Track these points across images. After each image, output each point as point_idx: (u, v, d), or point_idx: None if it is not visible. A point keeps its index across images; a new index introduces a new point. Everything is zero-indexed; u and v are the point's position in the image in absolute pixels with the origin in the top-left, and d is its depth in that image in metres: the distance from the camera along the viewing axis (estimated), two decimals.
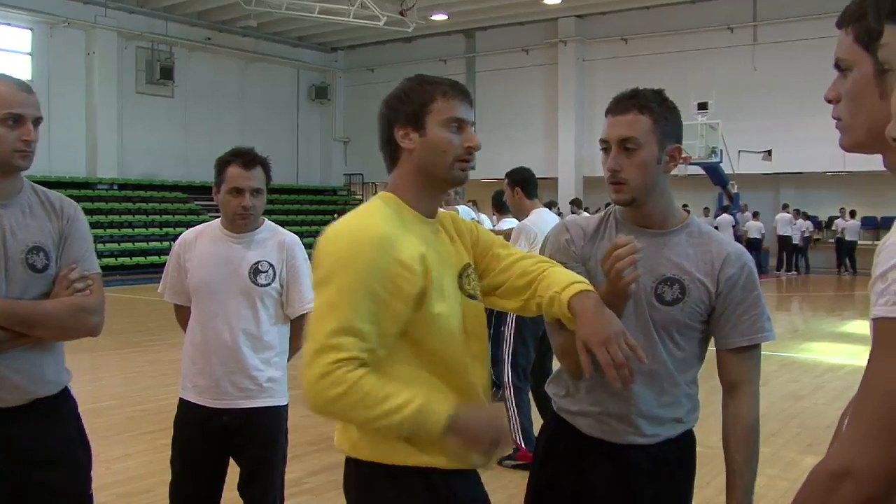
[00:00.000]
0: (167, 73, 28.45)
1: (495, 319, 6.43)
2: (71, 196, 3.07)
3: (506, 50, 30.57)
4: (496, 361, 7.96)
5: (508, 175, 6.53)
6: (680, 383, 2.50)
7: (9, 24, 25.21)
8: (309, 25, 29.91)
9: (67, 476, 2.89)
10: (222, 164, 3.66)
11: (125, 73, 27.76)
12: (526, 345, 6.22)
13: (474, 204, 13.92)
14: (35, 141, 2.75)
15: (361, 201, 26.84)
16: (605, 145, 2.44)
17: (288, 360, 3.84)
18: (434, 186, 2.29)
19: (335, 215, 18.81)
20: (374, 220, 2.17)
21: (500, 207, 8.11)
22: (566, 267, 2.42)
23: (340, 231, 2.16)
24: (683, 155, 18.22)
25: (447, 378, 2.21)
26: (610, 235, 2.52)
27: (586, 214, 7.29)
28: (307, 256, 3.71)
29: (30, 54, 25.67)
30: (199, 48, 29.64)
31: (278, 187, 30.53)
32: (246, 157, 3.64)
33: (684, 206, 2.44)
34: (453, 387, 2.21)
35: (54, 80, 25.43)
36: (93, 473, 3.03)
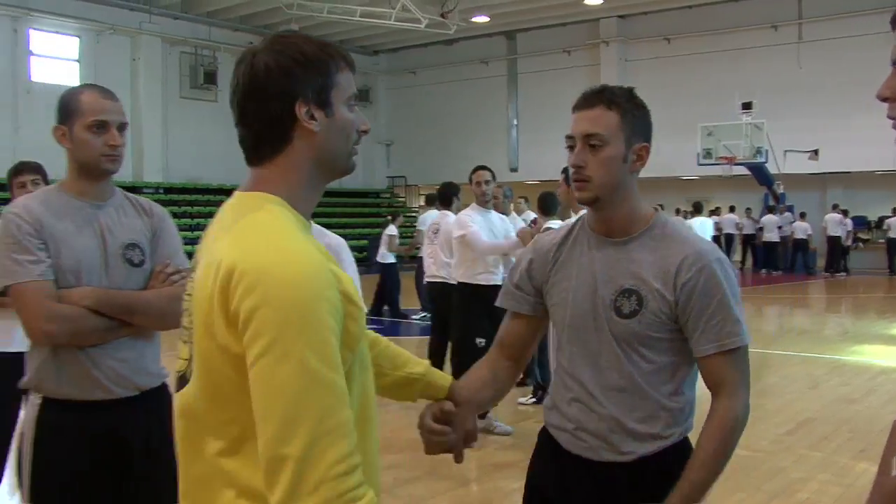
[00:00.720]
0: (210, 78, 28.71)
1: None
2: None
3: (547, 51, 30.49)
4: (542, 364, 7.97)
5: (566, 171, 6.56)
6: (654, 397, 2.34)
7: (57, 32, 25.61)
8: (350, 29, 30.03)
9: (166, 471, 2.95)
10: None
11: (169, 78, 28.07)
12: None
13: (526, 202, 13.43)
14: (121, 145, 2.97)
15: (405, 204, 26.98)
16: (571, 142, 2.34)
17: None
18: (326, 180, 1.84)
19: (388, 217, 18.76)
20: (298, 240, 1.63)
21: (546, 209, 8.11)
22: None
23: (267, 269, 1.53)
24: (727, 155, 17.98)
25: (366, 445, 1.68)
26: (576, 243, 2.46)
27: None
28: (353, 260, 3.75)
29: (77, 61, 26.05)
30: (242, 52, 29.81)
31: (326, 189, 30.61)
32: None
33: (658, 205, 2.24)
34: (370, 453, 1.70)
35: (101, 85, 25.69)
36: None
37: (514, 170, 30.72)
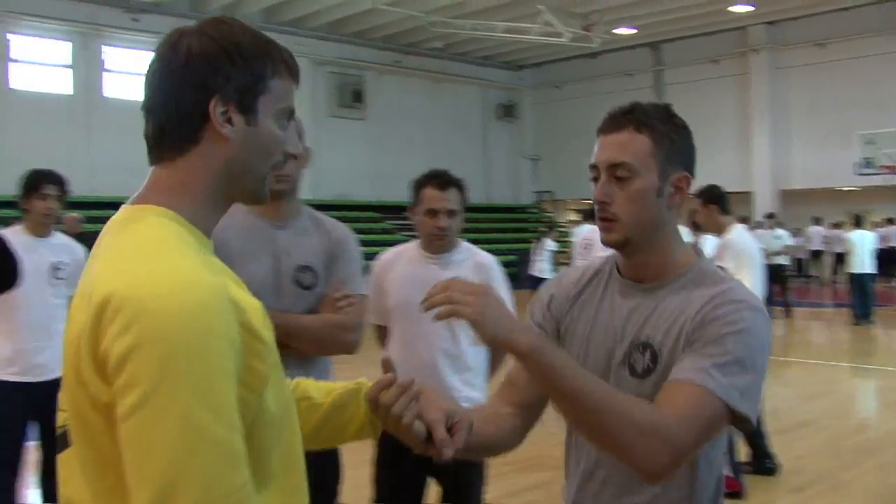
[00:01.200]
0: (358, 97, 29.31)
1: None
2: None
3: (694, 61, 29.85)
4: None
5: (703, 193, 6.36)
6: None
7: None
8: (494, 45, 30.16)
9: (329, 486, 3.11)
10: (418, 186, 3.75)
11: (318, 97, 28.77)
12: None
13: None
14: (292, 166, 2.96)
15: (552, 219, 26.91)
16: (594, 172, 1.94)
17: (489, 379, 3.84)
18: (231, 201, 1.52)
19: (544, 230, 18.71)
20: (186, 261, 1.33)
21: (697, 225, 7.92)
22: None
23: (146, 300, 1.24)
24: (889, 164, 17.10)
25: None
26: (601, 284, 2.04)
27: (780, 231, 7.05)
28: (503, 278, 3.75)
29: None
30: (387, 71, 30.37)
31: (469, 206, 30.77)
32: (441, 179, 3.73)
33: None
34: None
35: None
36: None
37: None
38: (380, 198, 28.51)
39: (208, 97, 1.40)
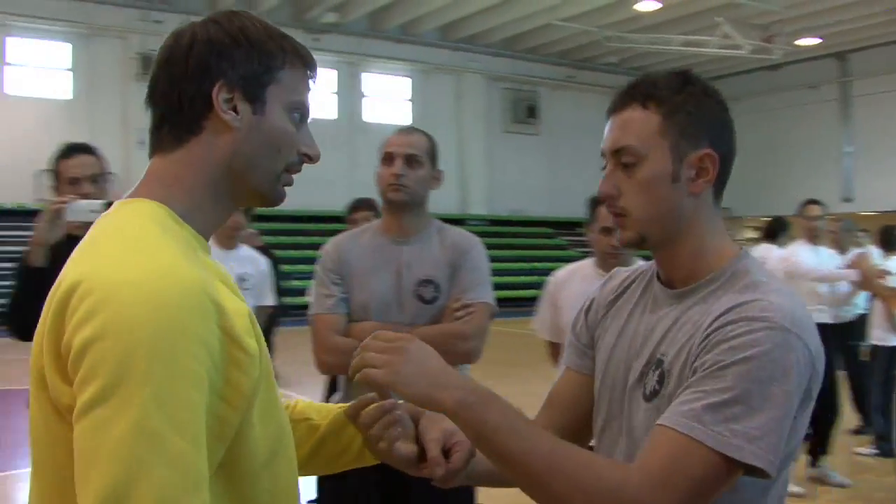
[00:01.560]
0: (532, 112, 29.38)
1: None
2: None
3: (886, 71, 28.45)
4: (885, 412, 7.34)
5: None
6: None
7: (390, 74, 27.44)
8: (670, 58, 29.65)
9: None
10: (594, 203, 3.75)
11: (492, 113, 29.01)
12: None
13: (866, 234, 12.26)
14: (402, 175, 3.05)
15: (732, 237, 26.28)
16: (604, 162, 1.66)
17: None
18: (235, 201, 1.39)
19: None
20: (167, 251, 1.20)
21: (888, 243, 7.55)
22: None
23: (115, 287, 1.12)
24: None
25: None
26: (639, 288, 1.73)
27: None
28: None
29: (410, 101, 27.86)
30: (561, 86, 30.31)
31: None
32: None
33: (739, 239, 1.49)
34: None
35: (428, 123, 27.14)
36: None
37: (847, 200, 28.89)
38: (554, 213, 28.46)
39: (212, 83, 1.30)
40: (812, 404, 1.50)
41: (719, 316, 1.46)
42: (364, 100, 26.77)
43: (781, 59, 26.86)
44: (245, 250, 5.23)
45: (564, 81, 30.30)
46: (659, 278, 1.67)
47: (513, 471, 1.42)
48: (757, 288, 1.49)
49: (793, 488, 6.58)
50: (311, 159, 1.43)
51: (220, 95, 1.30)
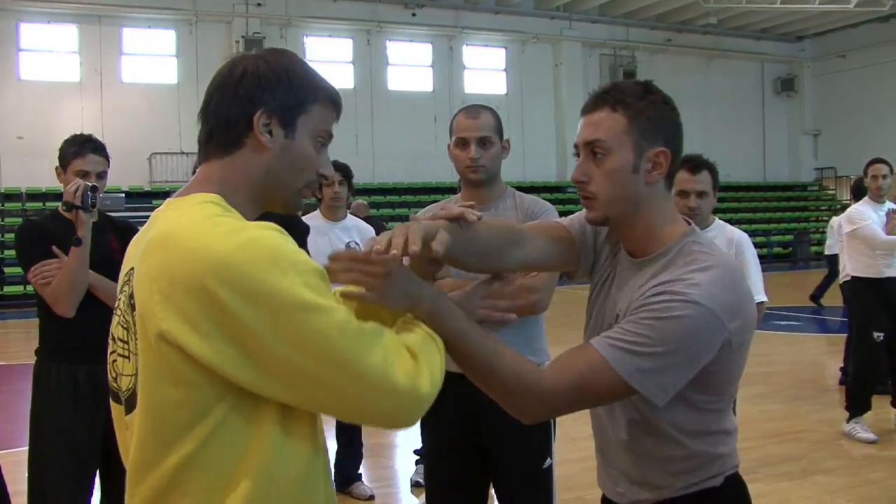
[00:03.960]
0: (630, 77, 29.05)
1: None
2: (541, 198, 3.55)
3: None
4: None
5: None
6: (647, 448, 1.99)
7: (486, 46, 27.63)
8: (772, 16, 29.07)
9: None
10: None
11: (590, 80, 28.87)
12: None
13: None
14: (478, 157, 3.34)
15: (834, 196, 25.67)
16: (576, 151, 2.00)
17: None
18: (262, 207, 1.69)
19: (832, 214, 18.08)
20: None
21: None
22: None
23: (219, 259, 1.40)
24: None
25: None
26: (610, 257, 2.12)
27: None
28: (755, 252, 3.90)
29: (504, 70, 27.91)
30: (659, 50, 30.02)
31: (744, 184, 29.99)
32: (693, 162, 4.07)
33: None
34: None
35: (526, 92, 27.31)
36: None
37: None
38: None
39: (254, 109, 1.60)
40: (738, 356, 1.88)
41: (657, 285, 1.82)
42: (462, 72, 26.97)
43: (891, 10, 26.06)
44: (351, 220, 5.46)
45: (663, 45, 30.00)
46: (626, 250, 2.04)
47: (463, 366, 1.79)
48: (692, 264, 1.84)
49: (866, 434, 6.67)
50: (327, 178, 1.77)
51: (259, 120, 1.60)
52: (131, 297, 1.52)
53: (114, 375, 1.64)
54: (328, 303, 1.43)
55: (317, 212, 5.35)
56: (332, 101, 1.70)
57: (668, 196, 1.97)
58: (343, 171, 5.29)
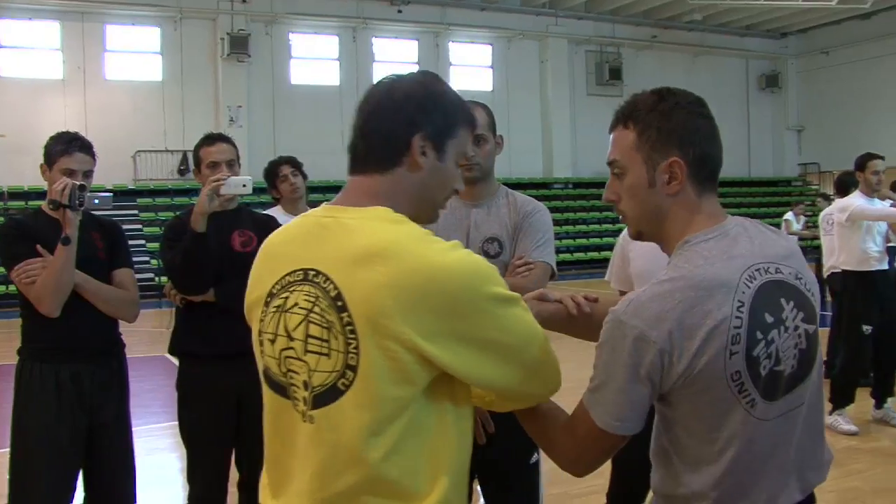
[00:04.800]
0: (615, 74, 29.21)
1: None
2: (528, 195, 3.53)
3: None
4: None
5: None
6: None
7: (472, 42, 27.64)
8: (756, 13, 29.16)
9: None
10: None
11: (576, 77, 28.96)
12: None
13: None
14: (472, 155, 3.28)
15: (818, 191, 25.61)
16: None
17: None
18: (415, 220, 1.75)
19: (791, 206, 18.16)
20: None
21: None
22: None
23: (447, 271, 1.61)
24: None
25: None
26: None
27: None
28: None
29: (490, 67, 27.98)
30: (645, 47, 30.07)
31: (728, 180, 30.07)
32: None
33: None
34: None
35: (512, 89, 27.31)
36: None
37: None
38: None
39: (414, 132, 1.73)
40: (677, 366, 1.72)
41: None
42: (448, 68, 26.90)
43: (872, 8, 26.18)
44: None
45: (648, 42, 30.05)
46: None
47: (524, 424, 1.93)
48: (662, 278, 1.82)
49: (847, 426, 6.73)
50: (458, 193, 1.87)
51: (418, 143, 1.74)
52: (337, 298, 1.62)
53: (285, 370, 1.71)
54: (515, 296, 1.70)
55: (277, 207, 5.29)
56: (471, 123, 1.87)
57: (703, 200, 1.88)
58: (293, 162, 5.31)
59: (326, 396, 1.64)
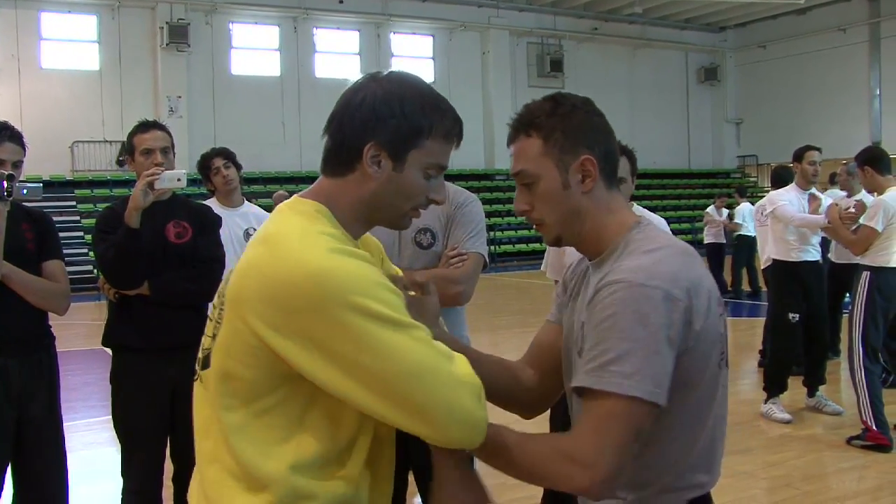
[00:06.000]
0: (557, 66, 29.40)
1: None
2: (470, 187, 3.56)
3: None
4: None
5: (859, 155, 6.50)
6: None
7: (413, 34, 27.64)
8: (696, 7, 29.52)
9: None
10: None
11: (518, 68, 29.07)
12: (876, 324, 6.18)
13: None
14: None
15: (756, 184, 26.10)
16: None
17: None
18: (373, 223, 1.78)
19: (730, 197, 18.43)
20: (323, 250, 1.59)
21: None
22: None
23: (300, 273, 1.54)
24: None
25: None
26: (584, 263, 2.02)
27: None
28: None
29: (432, 58, 27.97)
30: (586, 39, 30.28)
31: (668, 172, 30.43)
32: None
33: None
34: None
35: (454, 80, 27.29)
36: None
37: (876, 142, 28.79)
38: None
39: (364, 141, 1.66)
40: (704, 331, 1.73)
41: (598, 282, 1.76)
42: (390, 59, 26.86)
43: (808, 3, 26.64)
44: (248, 206, 5.34)
45: (589, 34, 30.25)
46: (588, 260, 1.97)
47: (500, 465, 1.73)
48: (631, 254, 1.78)
49: (781, 415, 6.84)
50: (438, 203, 1.80)
51: (369, 152, 1.66)
52: (231, 273, 1.68)
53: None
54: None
55: (213, 199, 5.20)
56: (451, 135, 1.75)
57: (612, 195, 1.91)
58: (225, 154, 5.22)
59: (206, 360, 1.71)
